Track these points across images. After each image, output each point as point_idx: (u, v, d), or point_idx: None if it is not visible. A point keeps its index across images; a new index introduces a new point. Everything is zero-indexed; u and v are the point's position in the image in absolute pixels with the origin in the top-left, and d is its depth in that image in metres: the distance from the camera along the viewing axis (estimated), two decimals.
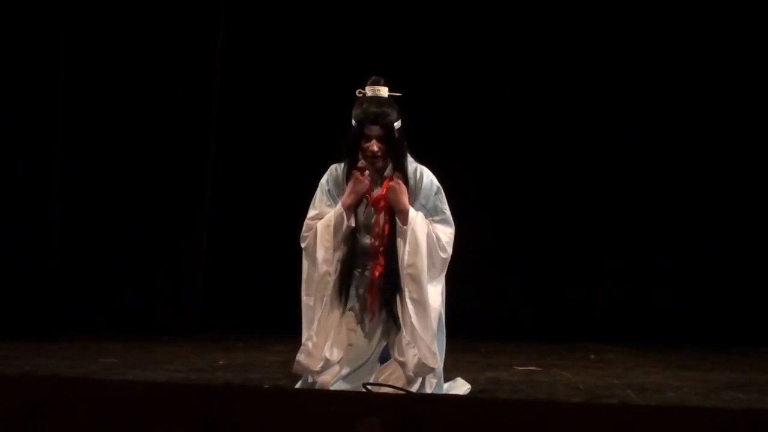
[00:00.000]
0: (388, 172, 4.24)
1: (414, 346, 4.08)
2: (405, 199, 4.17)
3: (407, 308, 4.12)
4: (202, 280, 7.20)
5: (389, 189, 4.17)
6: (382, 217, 4.22)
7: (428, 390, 4.19)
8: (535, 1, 7.32)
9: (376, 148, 4.15)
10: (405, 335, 4.11)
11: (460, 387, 4.55)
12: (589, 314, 7.24)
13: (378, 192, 4.22)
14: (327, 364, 4.14)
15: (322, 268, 4.17)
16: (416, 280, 4.14)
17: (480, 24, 7.33)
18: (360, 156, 4.21)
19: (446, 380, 4.54)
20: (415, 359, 4.07)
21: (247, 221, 7.44)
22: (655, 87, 7.23)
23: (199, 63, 7.09)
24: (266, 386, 4.38)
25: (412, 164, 4.29)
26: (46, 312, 6.67)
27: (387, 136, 4.14)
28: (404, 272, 4.14)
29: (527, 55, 7.30)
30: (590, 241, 7.34)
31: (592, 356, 6.17)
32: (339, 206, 4.21)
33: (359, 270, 4.27)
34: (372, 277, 4.22)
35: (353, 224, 4.21)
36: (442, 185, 4.35)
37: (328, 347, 4.14)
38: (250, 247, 7.41)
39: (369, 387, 3.96)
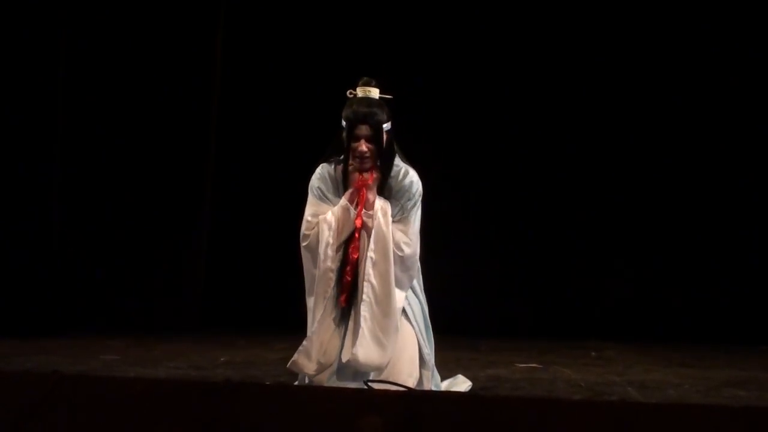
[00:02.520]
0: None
1: (359, 343, 4.06)
2: (374, 190, 4.17)
3: (364, 294, 4.11)
4: (203, 278, 7.22)
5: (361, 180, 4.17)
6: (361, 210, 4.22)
7: (426, 385, 4.20)
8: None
9: (364, 148, 4.12)
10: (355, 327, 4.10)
11: (461, 384, 4.55)
12: (589, 312, 7.24)
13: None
14: (321, 367, 4.14)
15: (325, 264, 4.15)
16: (378, 266, 4.12)
17: (479, 23, 7.33)
18: (350, 156, 4.17)
19: (447, 377, 4.55)
20: (359, 353, 4.05)
21: (247, 220, 7.45)
22: (655, 87, 7.24)
23: (199, 63, 7.10)
24: (267, 383, 4.38)
25: (399, 165, 4.26)
26: (47, 310, 6.68)
27: (375, 137, 4.13)
28: (367, 256, 4.13)
29: (528, 54, 7.31)
30: (591, 239, 7.35)
31: (593, 354, 6.17)
32: (343, 201, 4.19)
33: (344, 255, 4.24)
34: (352, 260, 4.18)
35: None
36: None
37: (323, 351, 4.13)
38: (251, 246, 7.42)
39: (370, 384, 3.97)
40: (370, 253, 4.13)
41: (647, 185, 7.28)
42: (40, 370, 4.77)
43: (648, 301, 7.24)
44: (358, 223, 4.16)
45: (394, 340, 4.14)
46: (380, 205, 4.17)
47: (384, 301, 4.12)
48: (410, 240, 4.21)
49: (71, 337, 6.41)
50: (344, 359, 4.08)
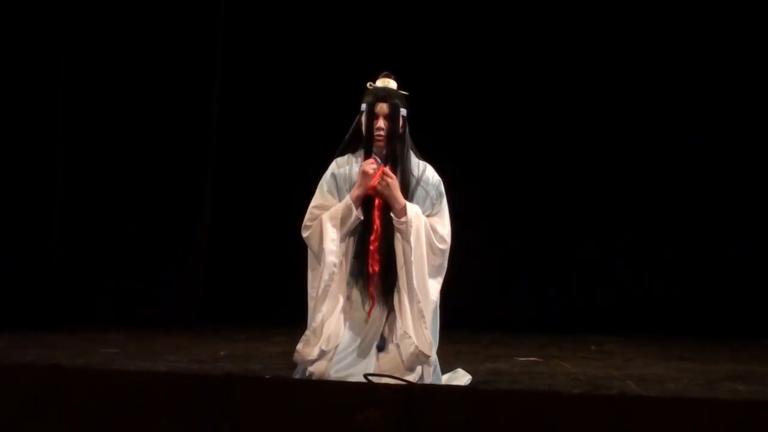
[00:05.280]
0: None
1: (409, 337, 4.15)
2: (399, 193, 4.22)
3: (406, 300, 4.17)
4: (204, 271, 7.22)
5: (382, 186, 4.20)
6: (377, 214, 4.25)
7: (427, 379, 4.23)
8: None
9: (382, 124, 4.23)
10: (401, 325, 4.16)
11: (461, 378, 4.56)
12: (589, 306, 7.25)
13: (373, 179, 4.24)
14: (322, 353, 4.18)
15: (328, 258, 4.21)
16: (418, 272, 4.20)
17: (481, 23, 7.33)
18: (366, 140, 4.26)
19: (447, 371, 4.56)
20: (411, 348, 4.14)
21: (248, 214, 7.44)
22: (655, 85, 7.24)
23: (200, 60, 7.10)
24: (267, 377, 4.39)
25: (415, 159, 4.37)
26: (47, 303, 6.69)
27: (393, 115, 4.24)
28: (405, 265, 4.20)
29: (531, 52, 7.30)
30: (591, 233, 7.35)
31: (593, 347, 6.18)
32: (347, 198, 4.25)
33: (362, 264, 4.28)
34: (372, 272, 4.25)
35: (362, 216, 4.25)
36: (446, 180, 4.41)
37: (324, 338, 4.18)
38: (251, 240, 7.42)
39: (370, 377, 3.97)
40: (410, 263, 4.20)
41: (648, 180, 7.28)
42: (40, 363, 4.77)
43: (648, 295, 7.24)
44: (376, 225, 4.22)
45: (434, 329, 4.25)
46: (411, 209, 4.23)
47: (425, 305, 4.20)
48: (449, 231, 4.33)
49: (71, 330, 6.41)
50: (406, 361, 4.14)
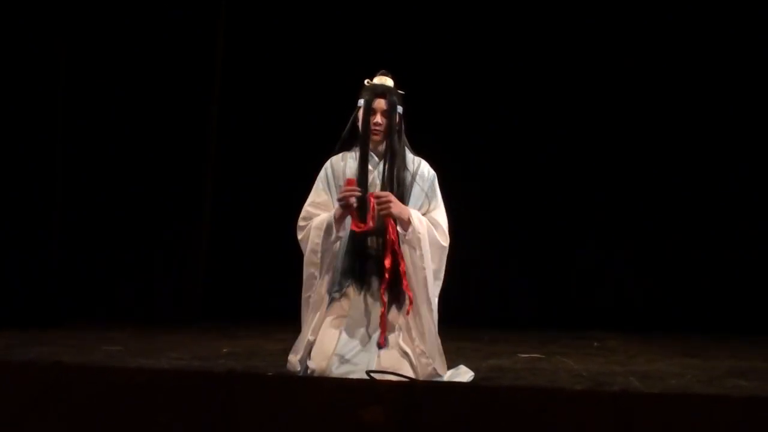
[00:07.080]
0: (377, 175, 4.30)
1: (427, 357, 4.18)
2: (401, 207, 4.19)
3: (420, 313, 4.19)
4: (204, 268, 7.22)
5: (384, 211, 4.15)
6: (392, 239, 4.22)
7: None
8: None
9: (380, 119, 4.25)
10: (418, 342, 4.19)
11: (463, 374, 4.56)
12: (591, 302, 7.25)
13: (368, 214, 4.20)
14: (307, 370, 4.20)
15: (308, 270, 4.27)
16: (425, 282, 4.22)
17: (478, 22, 7.34)
18: (363, 134, 4.28)
19: (449, 368, 4.55)
20: (429, 369, 4.18)
21: (248, 211, 7.45)
22: (656, 86, 7.25)
23: (200, 60, 7.11)
24: (269, 374, 4.38)
25: (410, 154, 4.38)
26: (49, 301, 6.69)
27: (390, 111, 4.27)
28: (414, 276, 4.20)
29: (530, 52, 7.33)
30: (593, 230, 7.35)
31: (595, 344, 6.18)
32: (331, 215, 4.23)
33: (362, 275, 4.29)
34: (384, 300, 4.24)
35: (342, 235, 4.25)
36: (446, 180, 4.43)
37: (313, 356, 4.20)
38: (251, 237, 7.43)
39: (372, 374, 3.97)
40: (418, 274, 4.21)
41: (650, 177, 7.29)
42: (42, 361, 4.77)
43: (650, 292, 7.24)
44: (391, 254, 4.19)
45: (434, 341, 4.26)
46: (414, 217, 4.22)
47: (430, 316, 4.23)
48: (448, 226, 4.34)
49: (73, 328, 6.41)
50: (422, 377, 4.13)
